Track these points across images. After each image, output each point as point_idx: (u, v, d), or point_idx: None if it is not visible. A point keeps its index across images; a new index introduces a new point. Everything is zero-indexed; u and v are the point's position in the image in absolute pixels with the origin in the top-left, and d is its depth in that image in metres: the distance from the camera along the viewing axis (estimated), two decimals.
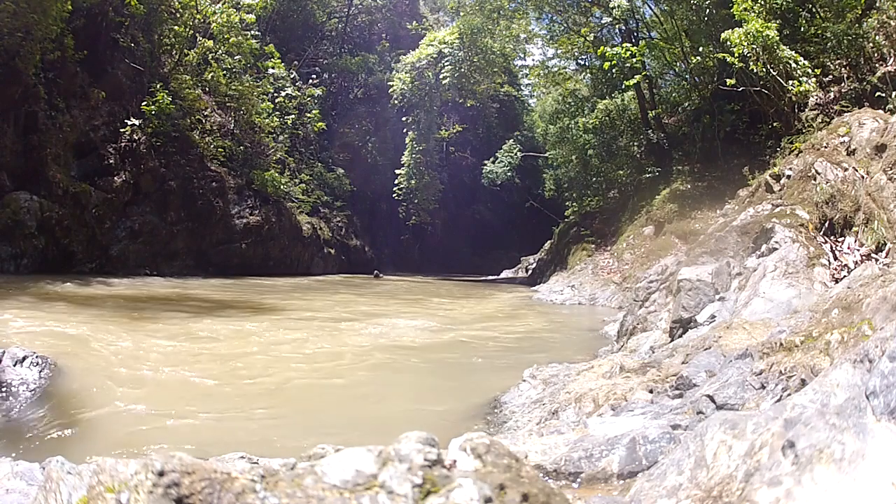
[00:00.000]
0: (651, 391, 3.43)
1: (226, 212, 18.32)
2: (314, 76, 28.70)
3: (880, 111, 7.16)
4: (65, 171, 13.87)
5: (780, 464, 1.22)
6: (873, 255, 4.88)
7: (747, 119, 14.71)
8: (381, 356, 6.30)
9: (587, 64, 22.99)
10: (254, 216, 19.23)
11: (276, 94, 22.51)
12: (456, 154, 37.55)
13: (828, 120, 10.11)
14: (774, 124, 12.66)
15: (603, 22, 20.86)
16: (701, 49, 14.94)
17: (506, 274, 29.79)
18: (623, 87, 18.03)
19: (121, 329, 6.53)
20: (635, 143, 20.24)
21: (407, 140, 29.08)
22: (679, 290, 5.50)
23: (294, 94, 24.00)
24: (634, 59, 16.43)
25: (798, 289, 4.71)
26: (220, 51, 18.95)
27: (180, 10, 18.13)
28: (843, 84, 11.63)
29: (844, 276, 4.56)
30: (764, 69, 11.40)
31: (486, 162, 30.73)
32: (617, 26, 20.32)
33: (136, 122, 15.67)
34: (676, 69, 19.45)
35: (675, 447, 1.68)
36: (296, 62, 27.55)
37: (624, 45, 17.72)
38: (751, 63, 11.41)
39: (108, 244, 14.74)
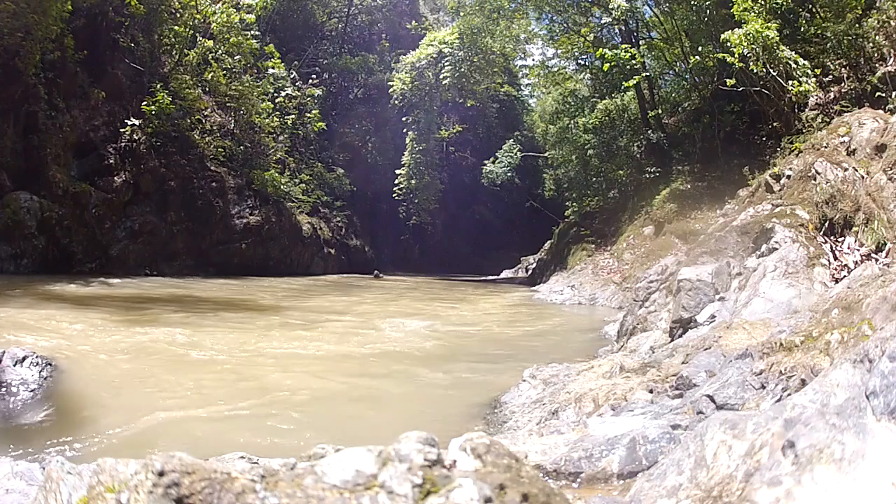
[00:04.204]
0: (651, 391, 3.43)
1: (226, 212, 18.32)
2: (314, 76, 28.68)
3: (880, 111, 7.16)
4: (65, 171, 13.87)
5: (780, 464, 1.22)
6: (873, 255, 4.88)
7: (747, 119, 14.70)
8: (381, 356, 6.30)
9: (587, 64, 22.96)
10: (254, 216, 19.23)
11: (276, 94, 22.51)
12: (456, 154, 37.54)
13: (828, 120, 10.10)
14: (774, 124, 12.65)
15: (603, 22, 20.83)
16: (701, 49, 14.92)
17: (506, 274, 29.78)
18: (623, 87, 18.03)
19: (121, 329, 6.54)
20: (635, 143, 20.21)
21: (407, 140, 29.08)
22: (679, 290, 5.49)
23: (294, 94, 24.01)
24: (634, 61, 16.42)
25: (798, 289, 4.71)
26: (220, 51, 18.97)
27: (180, 10, 18.15)
28: (843, 84, 11.63)
29: (844, 276, 4.56)
30: (764, 69, 11.39)
31: (486, 162, 30.70)
32: (617, 26, 20.29)
33: (136, 122, 15.68)
34: (676, 69, 19.43)
35: (675, 447, 1.67)
36: (296, 62, 27.54)
37: (623, 45, 17.70)
38: (751, 63, 11.40)
39: (108, 244, 14.74)
